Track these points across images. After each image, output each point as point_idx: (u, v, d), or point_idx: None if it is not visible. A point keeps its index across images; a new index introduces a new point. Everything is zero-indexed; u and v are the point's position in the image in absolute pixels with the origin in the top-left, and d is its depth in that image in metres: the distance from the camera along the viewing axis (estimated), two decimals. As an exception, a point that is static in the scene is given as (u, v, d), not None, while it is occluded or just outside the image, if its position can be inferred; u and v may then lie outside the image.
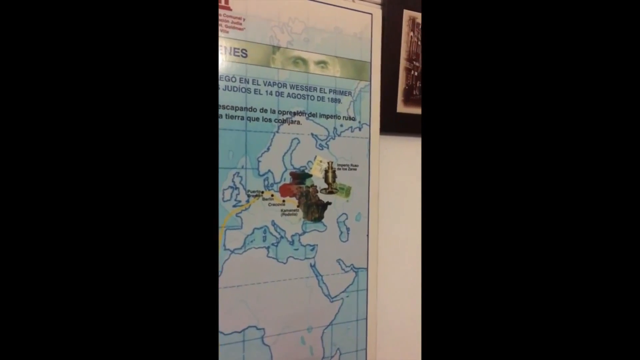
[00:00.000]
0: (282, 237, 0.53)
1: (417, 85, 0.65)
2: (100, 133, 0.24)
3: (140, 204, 0.25)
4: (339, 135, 0.57)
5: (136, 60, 0.24)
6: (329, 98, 0.56)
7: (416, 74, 0.65)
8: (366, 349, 0.61)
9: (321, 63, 0.55)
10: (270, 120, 0.51)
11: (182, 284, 0.25)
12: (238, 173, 0.50)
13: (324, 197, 0.56)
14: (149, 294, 0.24)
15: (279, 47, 0.52)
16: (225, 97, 0.48)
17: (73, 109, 0.23)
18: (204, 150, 0.26)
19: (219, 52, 0.48)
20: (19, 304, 0.22)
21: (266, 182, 0.52)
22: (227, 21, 0.48)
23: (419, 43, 0.65)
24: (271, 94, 0.51)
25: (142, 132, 0.24)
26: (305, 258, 0.55)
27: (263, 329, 0.52)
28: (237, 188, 0.50)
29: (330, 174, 0.56)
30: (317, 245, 0.56)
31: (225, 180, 0.49)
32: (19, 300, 0.22)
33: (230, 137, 0.49)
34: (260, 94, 0.51)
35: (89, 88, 0.24)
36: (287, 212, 0.53)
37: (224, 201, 0.49)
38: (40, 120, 0.23)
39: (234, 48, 0.49)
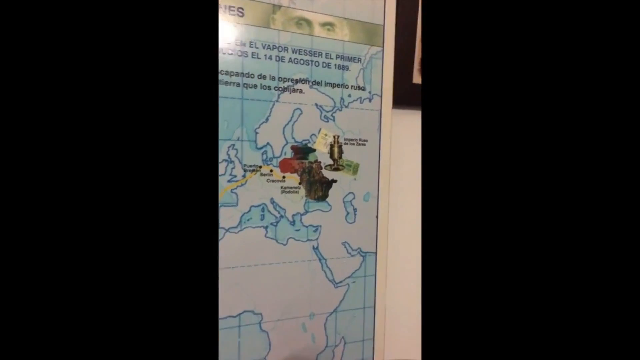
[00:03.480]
0: (282, 216, 0.49)
1: (436, 53, 0.59)
2: (95, 109, 0.22)
3: (137, 183, 0.23)
4: (346, 107, 0.51)
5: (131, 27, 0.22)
6: (335, 65, 0.50)
7: (435, 40, 0.59)
8: (373, 339, 0.56)
9: (327, 25, 0.49)
10: (269, 87, 0.47)
11: (181, 265, 0.23)
12: (233, 145, 0.45)
13: (328, 174, 0.51)
14: (146, 276, 0.23)
15: (279, 6, 0.46)
16: (219, 61, 0.44)
17: (69, 85, 0.22)
18: (203, 122, 0.23)
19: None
20: (14, 294, 0.21)
21: (264, 156, 0.47)
22: (222, -25, 0.43)
23: (439, 6, 0.58)
24: (270, 58, 0.46)
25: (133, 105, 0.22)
26: (308, 240, 0.51)
27: (260, 313, 0.49)
28: (232, 161, 0.46)
29: (336, 149, 0.51)
30: (320, 226, 0.51)
31: (219, 153, 0.45)
32: (14, 291, 0.21)
33: (224, 105, 0.45)
34: (258, 58, 0.46)
35: (86, 70, 0.22)
36: (287, 190, 0.49)
37: (218, 176, 0.45)
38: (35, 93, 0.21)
39: (230, 6, 0.44)
